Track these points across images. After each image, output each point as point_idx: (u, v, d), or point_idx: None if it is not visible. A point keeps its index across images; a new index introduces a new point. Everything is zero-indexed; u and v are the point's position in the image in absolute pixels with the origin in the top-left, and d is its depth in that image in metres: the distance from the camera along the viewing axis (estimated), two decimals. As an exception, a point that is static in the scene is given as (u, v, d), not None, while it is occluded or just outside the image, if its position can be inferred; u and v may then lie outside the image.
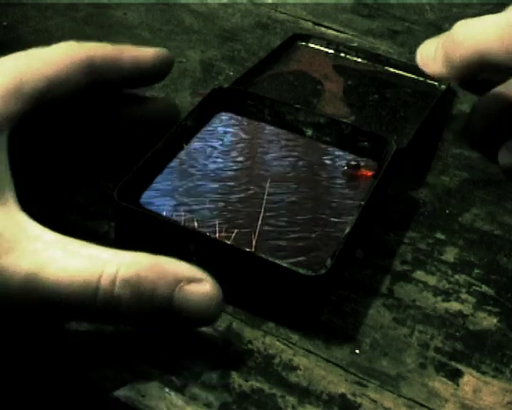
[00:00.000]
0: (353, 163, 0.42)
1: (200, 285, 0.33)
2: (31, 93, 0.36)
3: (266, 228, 0.38)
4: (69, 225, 0.39)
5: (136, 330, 0.35)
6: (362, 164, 0.43)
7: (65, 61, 0.38)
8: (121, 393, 0.33)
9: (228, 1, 0.61)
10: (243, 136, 0.45)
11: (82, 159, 0.43)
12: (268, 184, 0.41)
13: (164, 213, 0.38)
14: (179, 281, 0.33)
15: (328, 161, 0.43)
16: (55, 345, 0.34)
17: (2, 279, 0.32)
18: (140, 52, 0.42)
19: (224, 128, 0.45)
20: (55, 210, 0.40)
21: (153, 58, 0.42)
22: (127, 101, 0.44)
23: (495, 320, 0.37)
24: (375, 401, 0.33)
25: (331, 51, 0.54)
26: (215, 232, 0.37)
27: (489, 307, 0.37)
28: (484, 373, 0.34)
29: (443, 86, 0.50)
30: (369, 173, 0.42)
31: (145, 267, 0.33)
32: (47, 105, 0.38)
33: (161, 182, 0.40)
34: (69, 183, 0.42)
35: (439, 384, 0.34)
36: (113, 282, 0.32)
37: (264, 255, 0.35)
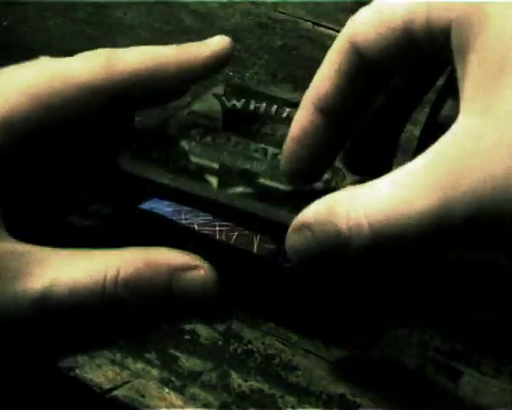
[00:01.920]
0: None
1: (196, 272, 0.34)
2: (23, 124, 0.34)
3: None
4: (69, 226, 0.39)
5: (135, 330, 0.35)
6: None
7: (83, 84, 0.34)
8: (121, 393, 0.33)
9: (228, 1, 0.61)
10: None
11: (81, 162, 0.43)
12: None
13: (163, 214, 0.38)
14: (174, 271, 0.34)
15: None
16: (54, 345, 0.34)
17: (13, 305, 0.33)
18: (189, 56, 0.35)
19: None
20: (55, 211, 0.40)
21: (207, 58, 0.35)
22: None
23: (495, 320, 0.37)
24: (374, 402, 0.33)
25: None
26: (215, 233, 0.37)
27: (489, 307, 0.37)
28: (484, 373, 0.34)
29: None
30: None
31: (140, 264, 0.34)
32: (46, 131, 0.35)
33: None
34: (69, 184, 0.42)
35: (439, 384, 0.34)
36: (115, 285, 0.33)
37: (263, 256, 0.35)
